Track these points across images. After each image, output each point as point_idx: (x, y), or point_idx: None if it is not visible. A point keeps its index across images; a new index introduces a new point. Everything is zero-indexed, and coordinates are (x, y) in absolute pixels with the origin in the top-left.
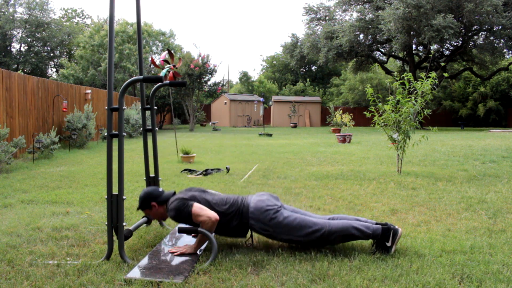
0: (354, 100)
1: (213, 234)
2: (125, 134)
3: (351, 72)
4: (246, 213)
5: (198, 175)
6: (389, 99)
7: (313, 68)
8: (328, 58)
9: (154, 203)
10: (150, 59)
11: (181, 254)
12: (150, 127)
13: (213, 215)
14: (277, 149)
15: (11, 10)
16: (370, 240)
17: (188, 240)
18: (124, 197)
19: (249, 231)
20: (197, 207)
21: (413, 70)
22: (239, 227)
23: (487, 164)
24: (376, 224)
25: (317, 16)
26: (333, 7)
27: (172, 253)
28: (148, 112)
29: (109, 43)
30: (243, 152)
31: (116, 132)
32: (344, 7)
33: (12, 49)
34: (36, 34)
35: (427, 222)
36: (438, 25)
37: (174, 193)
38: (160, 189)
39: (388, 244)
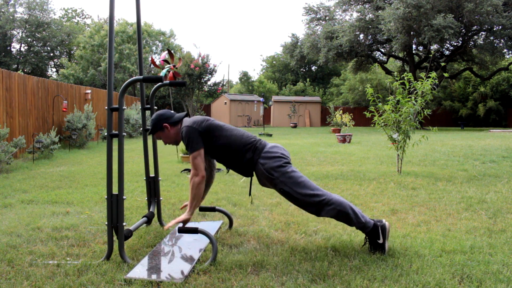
0: (354, 100)
1: (217, 231)
2: (125, 134)
3: (351, 72)
4: (260, 150)
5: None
6: (389, 99)
7: (313, 68)
8: (328, 58)
9: (166, 124)
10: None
11: (177, 223)
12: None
13: (202, 172)
14: None
15: (11, 10)
16: (361, 238)
17: (188, 240)
18: (124, 197)
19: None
20: (198, 153)
21: (413, 70)
22: (249, 162)
23: (487, 164)
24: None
25: (317, 16)
26: (333, 7)
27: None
28: (148, 112)
29: (109, 43)
30: None
31: (116, 132)
32: (344, 7)
33: (12, 49)
34: (36, 34)
35: (427, 222)
36: (438, 25)
37: (187, 115)
38: (172, 111)
39: (380, 241)
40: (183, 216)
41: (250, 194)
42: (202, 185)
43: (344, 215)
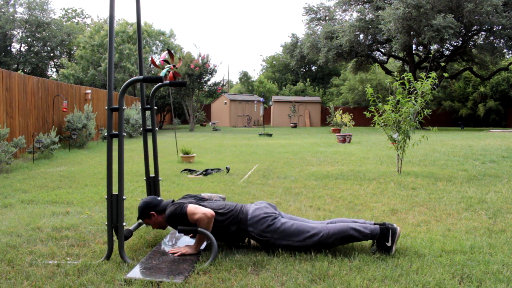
0: (354, 100)
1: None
2: (125, 134)
3: (351, 72)
4: (244, 220)
5: (198, 175)
6: (389, 99)
7: (313, 68)
8: (328, 58)
9: (153, 212)
10: (150, 59)
11: (182, 255)
12: (150, 127)
13: (209, 211)
14: (277, 149)
15: (11, 10)
16: (370, 241)
17: (188, 241)
18: (124, 197)
19: (247, 238)
20: (192, 207)
21: (413, 70)
22: (237, 233)
23: (487, 164)
24: (374, 224)
25: (317, 16)
26: (333, 7)
27: (173, 253)
28: (148, 112)
29: (109, 43)
30: (243, 152)
31: (116, 132)
32: (344, 7)
33: (12, 49)
34: (36, 34)
35: (427, 222)
36: (438, 25)
37: (173, 202)
38: (159, 198)
39: (388, 244)
40: (188, 250)
41: (249, 242)
42: (211, 222)
43: (348, 238)
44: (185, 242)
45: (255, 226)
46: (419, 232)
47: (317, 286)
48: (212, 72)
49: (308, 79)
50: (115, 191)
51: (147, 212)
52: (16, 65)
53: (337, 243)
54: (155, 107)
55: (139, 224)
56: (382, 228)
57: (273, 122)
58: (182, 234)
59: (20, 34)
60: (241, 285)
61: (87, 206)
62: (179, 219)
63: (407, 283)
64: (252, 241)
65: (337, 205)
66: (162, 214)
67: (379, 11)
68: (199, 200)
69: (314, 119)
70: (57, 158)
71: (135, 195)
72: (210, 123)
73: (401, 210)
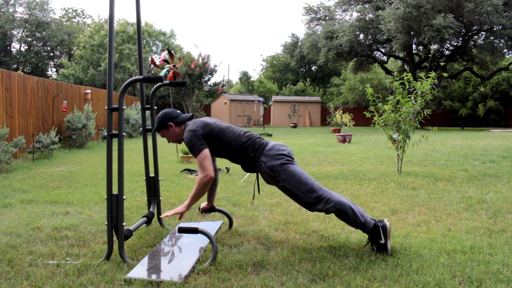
0: (354, 100)
1: (217, 231)
2: (125, 134)
3: (351, 72)
4: (262, 149)
5: (198, 175)
6: (389, 99)
7: (313, 68)
8: (328, 58)
9: (171, 123)
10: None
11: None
12: (150, 127)
13: (211, 172)
14: None
15: (11, 10)
16: (364, 238)
17: (188, 240)
18: (124, 197)
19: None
20: (204, 155)
21: (413, 70)
22: (253, 160)
23: (487, 164)
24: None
25: (317, 16)
26: (333, 7)
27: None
28: (148, 112)
29: (109, 43)
30: None
31: (116, 132)
32: (344, 7)
33: (12, 49)
34: (36, 34)
35: (427, 222)
36: (438, 25)
37: (192, 117)
38: (178, 111)
39: (382, 242)
40: (180, 209)
41: (257, 193)
42: (208, 185)
43: (343, 214)
44: (185, 242)
45: (269, 159)
46: (419, 232)
47: (317, 286)
48: (212, 72)
49: (308, 79)
50: (115, 191)
51: (165, 122)
52: (16, 65)
53: (331, 212)
54: (155, 107)
55: (139, 224)
56: (375, 225)
57: (273, 122)
58: (182, 234)
59: (20, 34)
60: (241, 285)
61: (87, 206)
62: (191, 152)
63: (407, 283)
64: (253, 240)
65: None
66: (180, 126)
67: (379, 11)
68: (219, 131)
69: (314, 119)
70: (57, 158)
71: (135, 195)
72: None
73: (401, 210)
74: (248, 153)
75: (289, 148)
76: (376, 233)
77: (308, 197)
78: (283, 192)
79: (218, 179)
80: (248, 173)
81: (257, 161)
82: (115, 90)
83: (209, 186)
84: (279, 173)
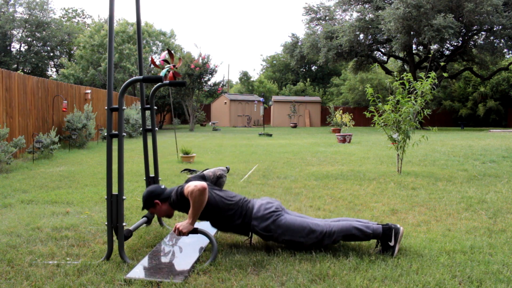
0: (354, 100)
1: (217, 231)
2: (125, 134)
3: (351, 72)
4: (250, 214)
5: None
6: (389, 99)
7: (313, 68)
8: (328, 58)
9: (157, 201)
10: (150, 59)
11: (179, 233)
12: (150, 127)
13: (200, 183)
14: (277, 149)
15: (11, 10)
16: (373, 241)
17: (188, 241)
18: (124, 197)
19: (250, 232)
20: (189, 185)
21: (413, 70)
22: (241, 226)
23: (487, 164)
24: (377, 224)
25: (317, 16)
26: (333, 7)
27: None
28: (148, 112)
29: (109, 43)
30: (243, 152)
31: (116, 132)
32: (344, 7)
33: (12, 49)
34: (36, 34)
35: (427, 222)
36: (438, 25)
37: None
38: (162, 186)
39: (391, 244)
40: (187, 226)
41: (250, 241)
42: (204, 193)
43: (350, 237)
44: (185, 242)
45: (260, 220)
46: (419, 232)
47: (317, 286)
48: (212, 72)
49: (308, 79)
50: (115, 191)
51: (151, 201)
52: (16, 65)
53: (339, 241)
54: (155, 107)
55: (139, 224)
56: (385, 228)
57: (273, 122)
58: None
59: (20, 34)
60: (241, 285)
61: (87, 206)
62: (181, 202)
63: (407, 283)
64: (253, 240)
65: (337, 205)
66: (166, 202)
67: (379, 11)
68: (200, 178)
69: (314, 119)
70: (57, 158)
71: (135, 195)
72: (210, 123)
73: (401, 210)
74: (236, 221)
75: (276, 201)
76: (387, 236)
77: (311, 238)
78: (286, 245)
79: (225, 181)
80: (248, 173)
81: (248, 226)
82: (115, 90)
83: (206, 195)
84: (275, 230)
